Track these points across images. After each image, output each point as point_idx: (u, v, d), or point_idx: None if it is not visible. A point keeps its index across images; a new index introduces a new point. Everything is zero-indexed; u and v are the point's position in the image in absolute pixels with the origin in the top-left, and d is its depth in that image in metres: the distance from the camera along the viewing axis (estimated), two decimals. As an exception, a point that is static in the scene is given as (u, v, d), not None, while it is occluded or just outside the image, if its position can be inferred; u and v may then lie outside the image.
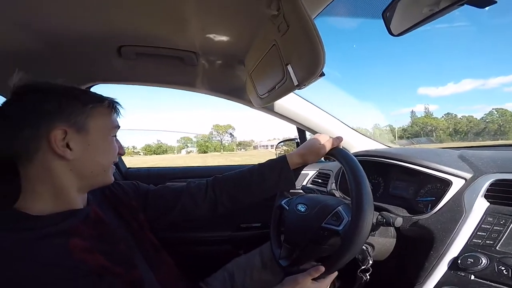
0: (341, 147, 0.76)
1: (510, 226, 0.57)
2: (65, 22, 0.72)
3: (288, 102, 1.18)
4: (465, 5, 0.50)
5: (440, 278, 0.61)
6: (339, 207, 0.70)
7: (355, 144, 1.30)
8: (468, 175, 0.69)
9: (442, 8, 0.53)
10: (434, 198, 0.76)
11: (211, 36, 0.83)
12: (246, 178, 0.78)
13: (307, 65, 0.57)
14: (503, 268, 0.54)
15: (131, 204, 0.70)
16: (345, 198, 1.05)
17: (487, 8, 0.51)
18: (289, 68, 0.62)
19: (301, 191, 1.21)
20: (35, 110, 0.49)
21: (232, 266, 0.93)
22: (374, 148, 1.24)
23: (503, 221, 0.58)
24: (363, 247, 0.74)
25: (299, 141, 1.49)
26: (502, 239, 0.57)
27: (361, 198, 0.58)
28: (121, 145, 0.62)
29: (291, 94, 1.12)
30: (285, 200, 0.89)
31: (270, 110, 1.17)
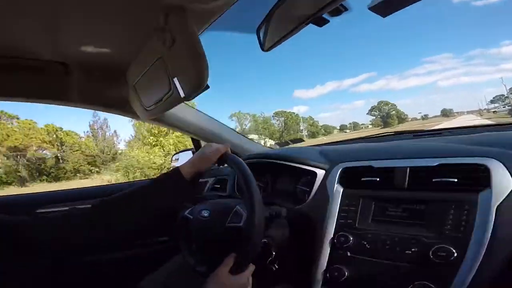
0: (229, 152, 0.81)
1: (360, 206, 0.73)
2: None
3: (180, 112, 1.17)
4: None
5: (328, 258, 0.72)
6: (237, 206, 0.75)
7: (247, 147, 1.42)
8: (326, 166, 0.86)
9: (297, 25, 0.65)
10: (308, 189, 0.90)
11: (88, 47, 0.75)
12: (138, 197, 0.73)
13: (192, 78, 0.59)
14: (365, 243, 0.67)
15: None
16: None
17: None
18: (176, 81, 0.63)
19: (203, 199, 1.22)
20: None
21: (148, 284, 0.90)
22: (259, 151, 1.38)
23: (354, 202, 0.74)
24: (265, 240, 0.80)
25: (195, 150, 1.50)
26: (358, 218, 0.72)
27: (251, 193, 0.64)
28: None
29: (182, 104, 1.12)
30: (187, 211, 0.90)
31: (162, 121, 1.13)
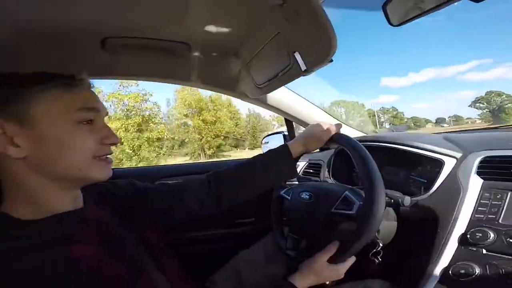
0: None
1: (507, 200, 0.62)
2: (42, 10, 0.64)
3: (278, 94, 1.18)
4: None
5: (453, 254, 0.64)
6: (346, 192, 0.71)
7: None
8: (458, 154, 0.74)
9: (442, 2, 0.56)
10: (426, 181, 0.80)
11: (206, 26, 0.80)
12: (248, 171, 0.76)
13: (318, 51, 0.57)
14: (511, 240, 0.57)
15: (130, 203, 0.64)
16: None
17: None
18: (296, 55, 0.62)
19: (296, 182, 1.22)
20: None
21: (236, 262, 0.92)
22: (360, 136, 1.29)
23: (499, 195, 0.63)
24: None
25: (286, 133, 1.51)
26: (503, 213, 0.61)
27: (373, 179, 0.59)
28: (110, 132, 0.51)
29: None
30: (284, 190, 0.89)
31: (262, 102, 1.17)
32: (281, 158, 0.76)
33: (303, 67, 0.61)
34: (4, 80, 0.45)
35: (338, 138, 0.73)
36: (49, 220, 0.44)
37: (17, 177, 0.44)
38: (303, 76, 0.65)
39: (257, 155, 0.80)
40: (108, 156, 0.51)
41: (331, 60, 0.58)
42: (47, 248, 0.40)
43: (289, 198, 0.86)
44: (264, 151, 1.62)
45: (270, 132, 1.78)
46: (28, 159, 0.44)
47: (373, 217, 0.58)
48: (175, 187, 0.72)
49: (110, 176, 0.51)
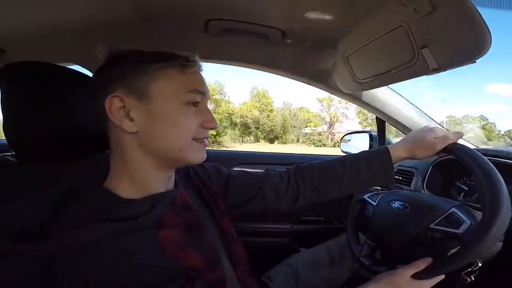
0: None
1: None
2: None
3: (375, 90, 1.06)
4: None
5: None
6: (454, 209, 0.63)
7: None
8: None
9: None
10: None
11: (307, 13, 0.75)
12: (336, 170, 0.69)
13: (459, 49, 0.49)
14: None
15: (213, 188, 0.63)
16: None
17: None
18: (425, 51, 0.53)
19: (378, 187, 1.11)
20: (100, 78, 0.46)
21: (296, 261, 0.89)
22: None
23: None
24: None
25: (373, 134, 1.37)
26: None
27: (499, 200, 0.51)
28: (211, 116, 0.50)
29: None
30: (369, 195, 0.82)
31: (355, 97, 1.07)
32: (378, 161, 0.68)
33: (433, 65, 0.52)
34: (128, 56, 0.46)
35: (455, 149, 0.63)
36: (145, 201, 0.45)
37: (125, 151, 0.46)
38: (428, 75, 0.55)
39: (350, 154, 0.73)
40: (204, 139, 0.51)
41: (474, 61, 0.47)
42: (140, 232, 0.41)
43: (374, 203, 0.79)
44: (343, 149, 1.53)
45: (353, 130, 1.65)
46: (138, 135, 0.45)
47: (488, 241, 0.51)
48: (256, 177, 0.71)
49: (204, 159, 0.51)
